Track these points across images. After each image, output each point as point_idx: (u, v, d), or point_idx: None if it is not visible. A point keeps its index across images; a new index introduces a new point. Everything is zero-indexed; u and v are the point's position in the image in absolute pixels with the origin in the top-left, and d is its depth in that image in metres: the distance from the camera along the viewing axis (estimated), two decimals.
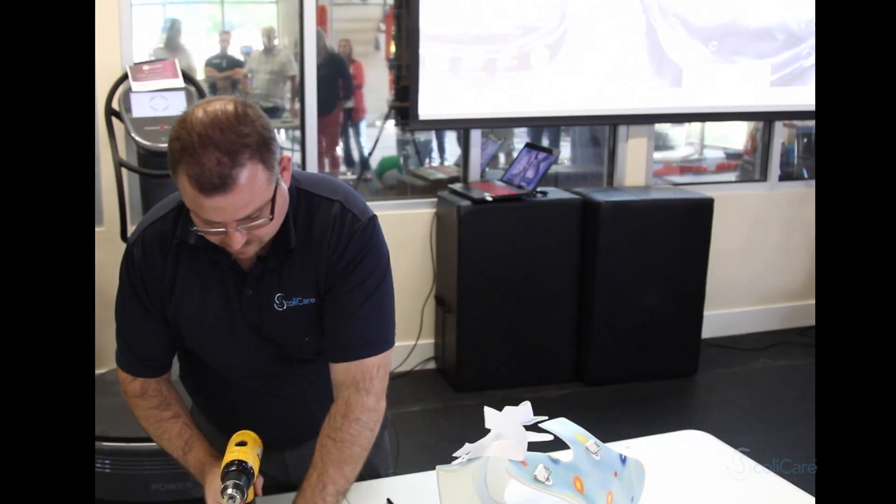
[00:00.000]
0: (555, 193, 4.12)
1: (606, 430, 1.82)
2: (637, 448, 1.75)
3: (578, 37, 4.14)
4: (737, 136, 5.63)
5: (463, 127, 4.30)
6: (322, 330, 1.56)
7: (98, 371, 3.33)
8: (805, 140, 5.18)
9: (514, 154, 4.53)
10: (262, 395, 1.65)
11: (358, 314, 1.53)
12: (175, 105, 3.19)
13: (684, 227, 4.14)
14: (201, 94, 3.31)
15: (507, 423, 1.44)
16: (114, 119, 3.24)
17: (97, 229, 3.54)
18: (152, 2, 4.59)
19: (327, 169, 5.05)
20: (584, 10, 4.13)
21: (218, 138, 1.31)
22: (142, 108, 3.16)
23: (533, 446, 1.43)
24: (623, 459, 1.51)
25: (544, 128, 5.42)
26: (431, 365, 4.30)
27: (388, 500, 1.64)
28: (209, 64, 4.88)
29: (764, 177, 4.83)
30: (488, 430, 1.48)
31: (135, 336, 1.63)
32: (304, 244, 1.52)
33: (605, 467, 1.46)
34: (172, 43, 4.50)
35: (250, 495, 1.50)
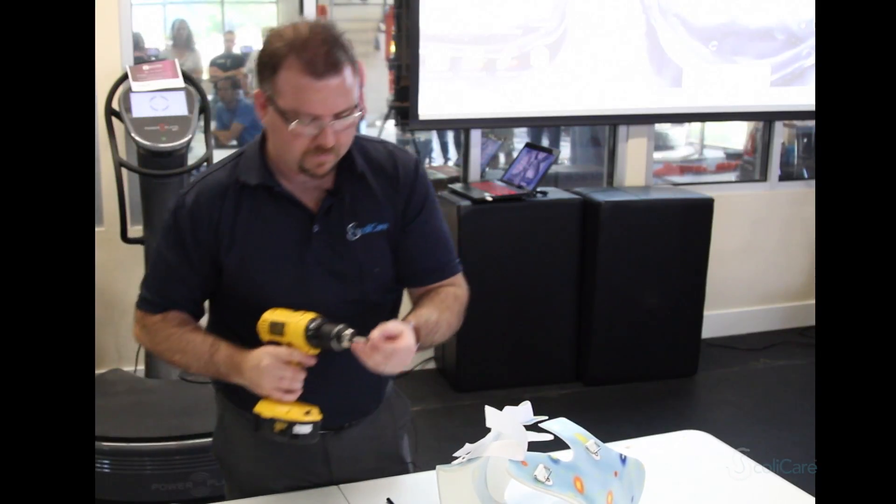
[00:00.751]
0: (555, 193, 4.12)
1: (606, 430, 1.82)
2: (637, 448, 1.75)
3: (578, 37, 4.14)
4: (737, 136, 5.63)
5: (463, 127, 4.30)
6: (392, 261, 1.64)
7: (98, 371, 3.33)
8: (805, 140, 5.18)
9: (514, 154, 4.53)
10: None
11: (440, 237, 1.70)
12: (175, 105, 3.19)
13: (684, 227, 4.14)
14: (201, 95, 3.31)
15: (508, 423, 1.44)
16: (114, 119, 3.24)
17: (97, 229, 3.54)
18: (152, 2, 4.59)
19: None
20: (584, 10, 4.13)
21: (324, 33, 1.47)
22: (142, 108, 3.16)
23: (533, 446, 1.43)
24: (623, 459, 1.51)
25: (544, 128, 5.42)
26: (431, 365, 4.30)
27: (388, 499, 1.64)
28: (214, 63, 4.89)
29: (764, 177, 4.83)
30: (488, 430, 1.48)
31: (167, 282, 1.64)
32: (370, 173, 1.61)
33: (605, 467, 1.46)
34: (180, 43, 4.51)
35: (315, 414, 1.49)
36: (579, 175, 5.43)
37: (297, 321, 1.48)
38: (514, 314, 4.03)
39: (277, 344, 1.50)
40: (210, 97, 3.88)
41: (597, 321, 4.08)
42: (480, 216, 3.89)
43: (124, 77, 3.28)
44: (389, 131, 5.28)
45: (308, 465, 1.70)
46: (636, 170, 4.50)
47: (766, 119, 4.76)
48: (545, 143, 5.42)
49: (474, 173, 4.32)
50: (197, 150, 3.50)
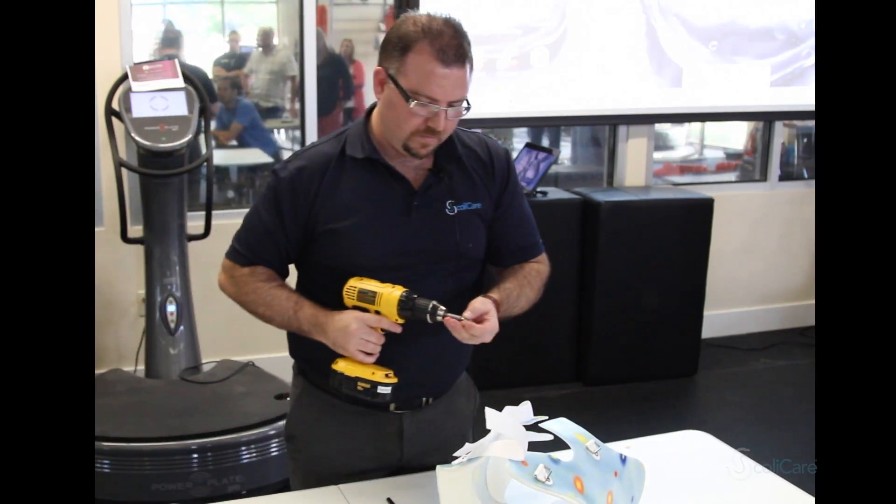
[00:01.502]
0: (555, 193, 4.12)
1: (606, 430, 1.82)
2: (637, 448, 1.75)
3: (578, 37, 4.14)
4: (737, 136, 5.63)
5: (462, 127, 4.29)
6: (482, 239, 1.74)
7: (98, 371, 3.33)
8: (805, 140, 5.17)
9: (514, 154, 4.53)
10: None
11: (528, 218, 1.82)
12: (175, 105, 3.18)
13: (684, 227, 4.14)
14: (200, 95, 3.31)
15: (508, 423, 1.45)
16: (114, 119, 3.23)
17: (97, 229, 3.54)
18: (152, 2, 4.59)
19: None
20: (584, 10, 4.12)
21: (457, 27, 1.61)
22: (142, 108, 3.16)
23: (533, 446, 1.43)
24: (623, 459, 1.51)
25: (544, 128, 5.42)
26: None
27: (389, 499, 1.64)
28: (217, 63, 4.88)
29: (764, 177, 4.83)
30: (488, 430, 1.48)
31: (260, 240, 1.71)
32: (466, 158, 1.73)
33: (606, 467, 1.46)
34: (169, 44, 4.50)
35: (393, 376, 1.60)
36: (579, 175, 5.43)
37: (390, 292, 1.58)
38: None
39: (363, 310, 1.59)
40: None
41: (597, 321, 4.08)
42: None
43: (124, 77, 3.27)
44: None
45: (383, 444, 1.75)
46: (636, 170, 4.50)
47: (766, 119, 4.76)
48: (545, 143, 5.42)
49: None
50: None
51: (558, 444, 1.47)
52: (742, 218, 4.69)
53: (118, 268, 3.60)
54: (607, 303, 4.07)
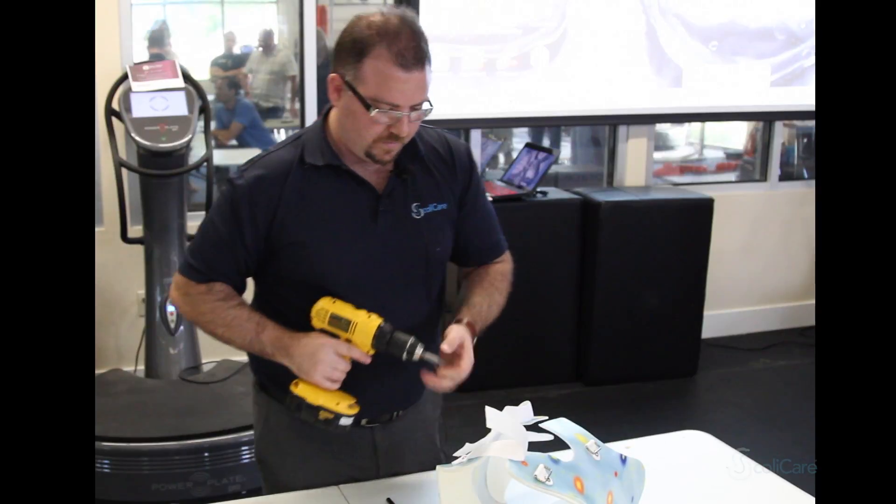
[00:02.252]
0: (555, 193, 4.12)
1: (606, 430, 1.82)
2: (637, 448, 1.75)
3: (578, 37, 4.14)
4: (737, 136, 5.63)
5: (463, 127, 4.29)
6: (449, 241, 1.70)
7: (98, 371, 3.33)
8: (805, 140, 5.17)
9: (514, 154, 4.53)
10: None
11: (491, 217, 1.80)
12: (175, 105, 3.18)
13: (684, 227, 4.13)
14: (201, 95, 3.31)
15: (508, 423, 1.44)
16: (114, 119, 3.23)
17: (97, 229, 3.54)
18: (152, 2, 4.59)
19: None
20: (584, 10, 4.12)
21: (412, 25, 1.50)
22: (142, 108, 3.16)
23: (533, 446, 1.43)
24: (623, 459, 1.51)
25: (544, 128, 5.42)
26: None
27: (389, 499, 1.64)
28: (215, 63, 4.89)
29: (764, 177, 4.83)
30: (488, 430, 1.48)
31: (216, 254, 1.63)
32: (428, 156, 1.66)
33: (606, 467, 1.46)
34: (159, 44, 4.50)
35: (356, 406, 1.54)
36: (579, 175, 5.43)
37: (365, 322, 1.51)
38: (513, 314, 4.00)
39: (331, 335, 1.52)
40: (210, 97, 3.88)
41: (597, 321, 4.07)
42: None
43: (124, 77, 3.27)
44: None
45: (357, 460, 1.72)
46: (636, 170, 4.50)
47: (766, 119, 4.76)
48: (545, 143, 5.42)
49: None
50: (197, 150, 3.50)
51: (558, 444, 1.47)
52: (742, 218, 4.69)
53: (118, 268, 3.60)
54: (607, 303, 4.06)
